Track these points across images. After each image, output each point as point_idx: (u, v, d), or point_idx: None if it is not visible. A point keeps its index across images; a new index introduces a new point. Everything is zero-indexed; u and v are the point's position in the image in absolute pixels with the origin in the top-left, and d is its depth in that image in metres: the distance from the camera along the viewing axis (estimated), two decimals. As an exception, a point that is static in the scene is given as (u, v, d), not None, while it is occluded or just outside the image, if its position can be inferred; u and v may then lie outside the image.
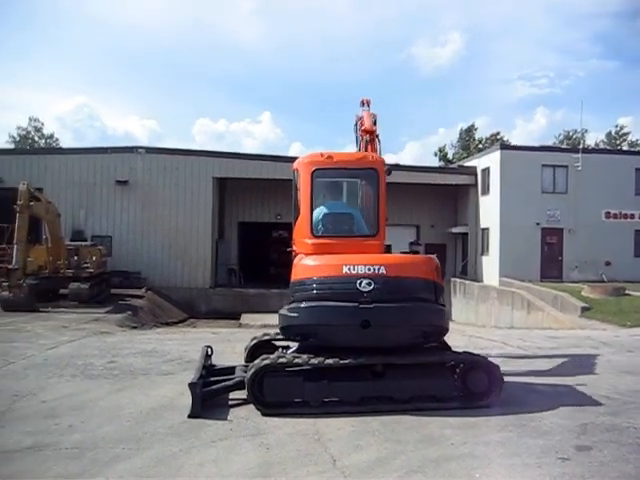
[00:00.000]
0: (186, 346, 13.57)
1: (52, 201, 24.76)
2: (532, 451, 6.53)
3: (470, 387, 8.20)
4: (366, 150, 10.15)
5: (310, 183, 8.89)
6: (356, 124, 11.63)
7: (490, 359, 8.74)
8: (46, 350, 12.69)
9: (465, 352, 8.78)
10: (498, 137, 65.68)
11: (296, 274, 8.52)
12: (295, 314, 8.26)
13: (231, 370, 9.20)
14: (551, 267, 32.46)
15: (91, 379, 10.03)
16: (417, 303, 8.25)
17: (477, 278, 34.81)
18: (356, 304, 7.98)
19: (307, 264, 8.50)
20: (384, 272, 8.12)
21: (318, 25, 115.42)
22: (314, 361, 8.02)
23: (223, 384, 8.56)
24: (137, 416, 7.82)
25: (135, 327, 19.42)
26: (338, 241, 8.83)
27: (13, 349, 12.64)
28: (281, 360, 8.12)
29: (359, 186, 9.91)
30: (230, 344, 13.65)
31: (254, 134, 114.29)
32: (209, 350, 9.73)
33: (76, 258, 25.15)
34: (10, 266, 21.34)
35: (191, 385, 7.91)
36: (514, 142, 63.94)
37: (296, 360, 8.10)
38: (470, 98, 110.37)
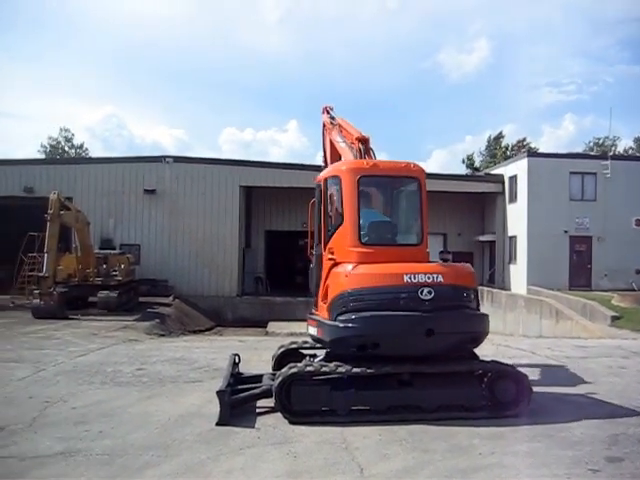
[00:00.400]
0: (214, 354, 13.64)
1: (82, 210, 25.11)
2: (561, 462, 6.46)
3: (498, 396, 8.15)
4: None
5: (356, 190, 8.74)
6: (324, 130, 12.02)
7: (518, 368, 8.67)
8: (76, 357, 12.85)
9: (493, 361, 8.72)
10: (525, 144, 65.13)
11: (350, 283, 8.23)
12: (354, 325, 8.00)
13: (258, 378, 9.23)
14: (580, 275, 32.08)
15: (120, 386, 10.14)
16: (469, 310, 8.45)
17: (505, 286, 34.52)
18: (420, 313, 8.03)
19: (364, 273, 8.29)
20: (442, 280, 8.22)
21: (344, 33, 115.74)
22: (341, 370, 8.02)
23: (251, 392, 8.59)
24: (166, 423, 7.89)
25: (163, 335, 19.55)
26: (384, 249, 8.77)
27: (44, 356, 12.82)
28: (308, 369, 8.14)
29: (401, 195, 9.75)
30: (257, 352, 13.70)
31: (280, 143, 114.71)
32: (237, 358, 9.77)
33: (105, 266, 25.46)
34: (41, 274, 21.67)
35: (219, 393, 7.96)
36: (542, 149, 63.40)
37: (323, 369, 8.11)
38: (497, 105, 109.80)
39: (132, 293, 26.87)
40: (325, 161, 12.13)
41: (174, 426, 7.77)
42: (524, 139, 67.13)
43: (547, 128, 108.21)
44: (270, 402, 8.25)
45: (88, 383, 10.24)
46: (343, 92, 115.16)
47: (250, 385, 8.87)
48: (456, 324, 8.27)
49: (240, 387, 8.72)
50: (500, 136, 68.71)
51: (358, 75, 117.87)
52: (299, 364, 8.34)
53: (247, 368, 10.22)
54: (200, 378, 10.84)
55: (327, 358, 8.63)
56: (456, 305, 8.33)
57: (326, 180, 9.22)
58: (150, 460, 6.49)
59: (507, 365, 8.63)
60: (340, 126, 11.21)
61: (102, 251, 27.67)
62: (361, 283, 8.22)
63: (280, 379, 8.05)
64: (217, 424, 7.74)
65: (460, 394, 8.19)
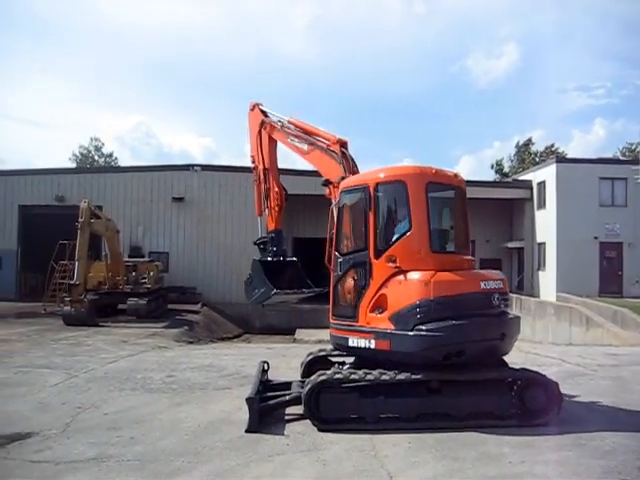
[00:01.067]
0: (242, 361, 13.71)
1: (111, 218, 25.42)
2: (593, 471, 6.40)
3: (528, 405, 8.06)
4: (347, 163, 9.75)
5: (425, 196, 8.60)
6: (261, 128, 11.64)
7: (548, 376, 8.59)
8: (107, 364, 13.01)
9: (523, 368, 8.66)
10: (553, 150, 64.52)
11: (433, 291, 8.06)
12: (440, 333, 7.93)
13: (287, 386, 9.25)
14: (610, 282, 31.64)
15: (150, 393, 10.25)
16: (512, 314, 8.93)
17: (533, 293, 34.20)
18: (494, 318, 8.40)
19: (446, 280, 8.20)
20: (502, 287, 8.73)
21: (371, 39, 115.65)
22: (370, 377, 8.03)
23: (280, 399, 8.62)
24: (196, 430, 7.96)
25: (191, 342, 19.70)
26: (448, 257, 8.82)
27: (76, 362, 13.00)
28: (337, 376, 8.15)
29: (447, 203, 9.53)
30: (285, 359, 13.75)
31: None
32: (265, 365, 9.82)
33: (134, 274, 25.74)
34: (72, 282, 21.96)
35: (249, 400, 8.01)
36: (571, 154, 62.69)
37: (352, 376, 8.11)
38: (525, 110, 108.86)
39: (161, 300, 27.10)
40: (263, 162, 11.66)
41: (204, 433, 7.83)
42: (552, 145, 66.50)
43: (577, 133, 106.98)
44: (299, 409, 8.27)
45: (119, 390, 10.36)
46: (370, 98, 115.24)
47: (279, 392, 8.90)
48: (517, 327, 8.88)
49: (269, 394, 8.75)
50: (529, 142, 68.19)
51: (385, 81, 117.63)
52: (328, 371, 8.36)
53: (275, 375, 10.26)
54: (229, 385, 10.91)
55: (355, 365, 8.65)
56: (507, 310, 8.88)
57: (378, 185, 8.76)
58: (181, 466, 6.55)
59: (537, 373, 8.56)
60: (301, 128, 10.86)
61: (131, 259, 28.01)
62: (444, 291, 8.16)
63: (309, 386, 8.08)
64: (246, 431, 7.79)
65: (489, 402, 8.13)
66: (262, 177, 11.61)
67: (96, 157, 72.43)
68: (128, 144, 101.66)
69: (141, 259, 28.69)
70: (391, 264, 8.41)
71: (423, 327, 7.98)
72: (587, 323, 25.31)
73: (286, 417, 8.47)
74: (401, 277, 8.33)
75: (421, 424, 7.94)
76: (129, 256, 29.41)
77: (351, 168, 9.72)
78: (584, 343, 22.65)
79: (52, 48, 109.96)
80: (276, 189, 11.52)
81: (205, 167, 34.84)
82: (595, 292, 30.51)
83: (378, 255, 8.52)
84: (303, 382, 8.79)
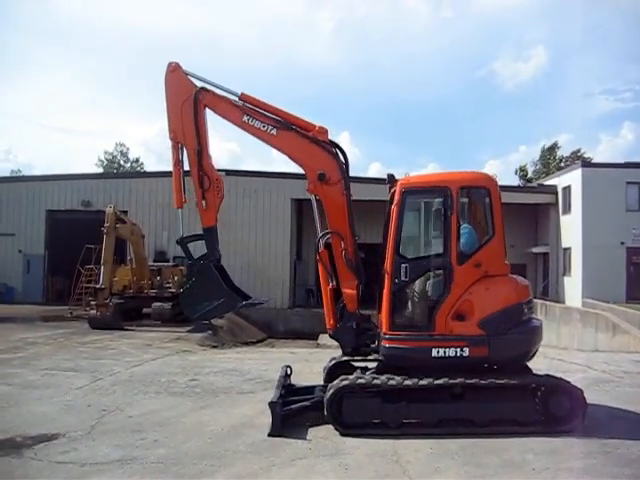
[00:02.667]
0: (265, 366, 13.75)
1: (136, 223, 25.65)
2: (618, 480, 6.32)
3: (552, 411, 7.98)
4: (342, 156, 9.31)
5: (500, 201, 8.68)
6: (196, 104, 9.29)
7: (573, 383, 8.50)
8: (131, 367, 13.13)
9: (547, 375, 8.59)
10: (579, 155, 63.87)
11: (523, 295, 8.57)
12: (529, 336, 8.46)
13: (310, 390, 9.25)
14: (638, 288, 31.18)
15: (174, 396, 10.33)
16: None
17: (559, 299, 33.87)
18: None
19: (527, 285, 8.90)
20: None
21: (397, 43, 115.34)
22: (393, 382, 8.00)
23: (302, 404, 8.62)
24: (219, 433, 8.01)
25: (215, 346, 19.79)
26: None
27: (101, 366, 13.14)
28: (360, 381, 8.13)
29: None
30: (308, 364, 13.76)
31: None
32: (288, 370, 9.82)
33: (159, 278, 25.93)
34: (97, 286, 22.21)
35: (271, 404, 8.03)
36: (599, 159, 62.12)
37: (375, 381, 8.10)
38: (551, 114, 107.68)
39: (185, 305, 27.16)
40: (196, 140, 9.38)
41: (227, 436, 7.88)
42: (579, 150, 65.85)
43: (604, 137, 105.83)
44: (322, 414, 8.27)
45: (143, 393, 10.46)
46: (395, 102, 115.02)
47: (301, 397, 8.90)
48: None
49: (292, 399, 8.75)
50: (555, 146, 67.61)
51: (411, 85, 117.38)
52: (350, 376, 8.34)
53: (299, 380, 10.27)
54: (252, 389, 10.95)
55: (378, 371, 8.64)
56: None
57: (464, 189, 8.64)
58: (204, 469, 6.60)
59: (561, 379, 8.47)
60: (262, 107, 9.32)
61: (156, 263, 28.20)
62: (528, 295, 8.69)
63: (332, 391, 8.08)
64: (269, 435, 7.81)
65: (513, 408, 8.06)
66: (194, 159, 9.46)
67: (122, 162, 73.22)
68: (153, 149, 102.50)
69: (166, 264, 28.87)
70: (478, 270, 8.34)
71: (516, 330, 8.21)
72: (613, 329, 24.98)
73: (309, 422, 8.48)
74: (487, 282, 8.33)
75: (443, 430, 7.90)
76: (154, 260, 29.65)
77: (347, 162, 9.29)
78: (610, 350, 22.35)
79: (81, 55, 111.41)
80: (216, 176, 9.78)
81: (229, 172, 34.97)
82: (622, 298, 30.12)
83: (462, 261, 8.33)
84: (326, 387, 8.76)
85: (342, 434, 7.87)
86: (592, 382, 11.47)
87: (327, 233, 9.11)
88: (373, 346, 8.97)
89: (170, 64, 9.47)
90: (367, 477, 6.43)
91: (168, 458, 6.95)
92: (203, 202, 9.74)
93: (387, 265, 8.51)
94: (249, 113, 9.23)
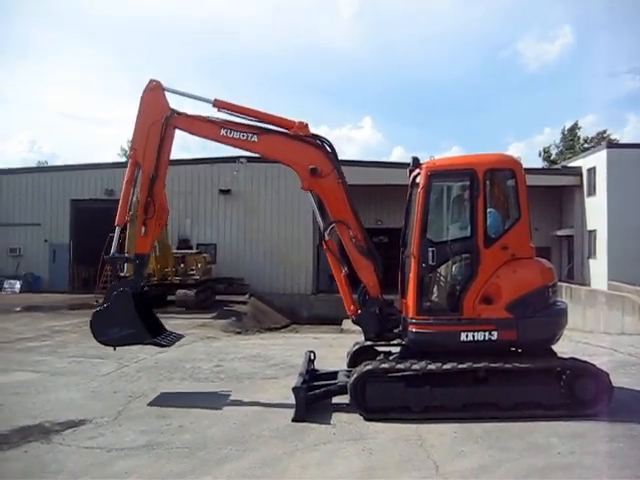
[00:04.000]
0: (289, 351, 13.79)
1: (160, 211, 25.73)
2: (645, 464, 6.26)
3: (578, 395, 7.90)
4: (330, 148, 9.29)
5: (526, 183, 8.64)
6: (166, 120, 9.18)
7: (598, 366, 8.42)
8: (156, 354, 13.22)
9: (572, 358, 8.52)
10: (605, 135, 62.91)
11: (550, 278, 8.62)
12: (557, 318, 8.52)
13: (333, 375, 9.25)
14: (665, 270, 30.80)
15: (199, 382, 10.41)
16: None
17: (584, 282, 33.52)
18: None
19: (549, 268, 8.87)
20: None
21: (418, 26, 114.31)
22: (416, 367, 7.99)
23: (326, 389, 8.65)
24: (243, 418, 8.07)
25: (239, 332, 19.88)
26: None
27: (126, 353, 13.18)
28: (383, 366, 8.15)
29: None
30: (332, 349, 13.77)
31: (355, 140, 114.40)
32: (312, 355, 9.84)
33: (182, 265, 26.12)
34: (122, 274, 22.33)
35: (295, 389, 8.07)
36: (626, 139, 61.16)
37: (398, 366, 8.10)
38: (577, 95, 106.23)
39: (209, 292, 27.37)
40: (154, 166, 9.24)
41: (251, 422, 7.93)
42: (604, 131, 64.86)
43: (632, 117, 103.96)
44: (345, 399, 8.30)
45: (168, 379, 10.56)
46: (417, 86, 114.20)
47: (325, 382, 8.91)
48: None
49: (315, 384, 8.78)
50: (575, 127, 66.60)
51: (433, 68, 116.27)
52: (374, 361, 8.36)
53: (322, 365, 10.29)
54: (276, 375, 11.00)
55: (402, 355, 8.63)
56: None
57: (489, 171, 8.54)
58: (229, 454, 6.66)
59: (586, 362, 8.38)
60: (238, 112, 9.31)
61: (180, 251, 28.38)
62: (553, 278, 8.71)
63: (355, 376, 8.08)
64: (293, 420, 7.86)
65: (537, 392, 8.01)
66: (146, 184, 9.23)
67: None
68: (176, 137, 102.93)
69: (189, 251, 29.06)
70: (505, 252, 8.31)
71: (544, 313, 8.22)
72: (640, 312, 24.71)
73: (332, 406, 8.51)
74: (514, 265, 8.32)
75: (467, 414, 7.88)
76: (177, 248, 29.81)
77: (333, 150, 9.24)
78: (637, 333, 22.12)
79: (103, 45, 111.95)
80: (164, 206, 9.65)
81: (251, 159, 34.99)
82: (648, 281, 29.75)
83: (489, 243, 8.31)
84: (349, 372, 8.78)
85: (366, 419, 7.89)
86: (618, 365, 11.36)
87: (331, 223, 9.13)
88: (396, 331, 8.98)
89: (151, 82, 9.30)
90: (391, 461, 6.44)
91: (193, 443, 7.02)
92: (143, 228, 9.44)
93: (414, 249, 8.46)
94: (226, 126, 9.13)
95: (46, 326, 18.61)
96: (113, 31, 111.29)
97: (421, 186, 8.50)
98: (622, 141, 54.98)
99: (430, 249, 8.32)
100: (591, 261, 33.56)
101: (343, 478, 5.99)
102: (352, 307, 9.16)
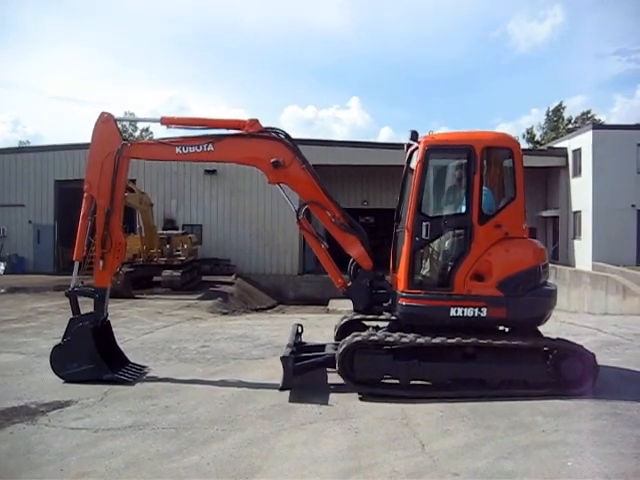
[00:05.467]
0: (276, 331, 13.82)
1: (145, 192, 25.64)
2: (628, 441, 6.31)
3: (564, 375, 7.96)
4: (288, 139, 9.35)
5: (523, 163, 8.60)
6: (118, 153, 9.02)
7: (584, 346, 8.48)
8: (142, 335, 13.23)
9: (559, 338, 8.58)
10: (590, 116, 63.03)
11: (542, 258, 8.59)
12: (547, 298, 8.50)
13: (321, 348, 9.29)
14: (648, 251, 31.06)
15: (185, 363, 10.41)
16: None
17: (569, 262, 33.77)
18: None
19: (542, 248, 8.89)
20: None
21: (406, 6, 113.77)
22: (405, 340, 8.03)
23: (314, 360, 8.69)
24: (229, 399, 8.07)
25: (225, 313, 19.92)
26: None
27: (112, 334, 13.22)
28: (372, 337, 8.16)
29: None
30: (319, 329, 13.78)
31: (343, 120, 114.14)
32: (299, 328, 9.84)
33: (168, 246, 26.05)
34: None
35: (283, 358, 8.11)
36: (614, 120, 61.56)
37: (387, 338, 8.12)
38: (565, 76, 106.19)
39: (195, 272, 27.37)
40: (109, 199, 9.09)
41: (237, 402, 7.94)
42: (589, 111, 65.01)
43: (619, 98, 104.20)
44: (332, 378, 8.32)
45: (154, 360, 10.53)
46: (406, 66, 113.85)
47: (313, 354, 8.95)
48: None
49: (303, 355, 8.81)
50: (560, 107, 66.64)
51: (422, 48, 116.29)
52: (363, 333, 8.39)
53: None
54: (262, 355, 11.02)
55: (390, 329, 8.65)
56: None
57: (487, 149, 8.49)
58: (215, 434, 6.66)
59: (574, 343, 8.44)
60: (187, 124, 9.39)
61: (165, 232, 28.28)
62: (545, 259, 8.66)
63: (344, 346, 8.10)
64: (281, 389, 7.97)
65: (524, 370, 8.07)
66: (102, 219, 9.12)
67: (131, 131, 72.96)
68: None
69: (175, 232, 28.95)
70: (498, 230, 8.32)
71: (534, 293, 8.21)
72: (624, 292, 24.94)
73: (318, 387, 8.56)
74: (507, 244, 8.32)
75: (454, 392, 7.95)
76: (163, 229, 29.73)
77: (289, 137, 9.25)
78: (620, 313, 22.36)
79: (85, 24, 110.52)
80: (121, 240, 9.44)
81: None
82: (632, 261, 30.01)
83: (483, 221, 8.31)
84: (337, 345, 8.78)
85: (354, 390, 8.02)
86: (602, 345, 11.48)
87: (304, 205, 9.29)
88: (386, 305, 9.00)
89: (102, 114, 9.23)
90: (377, 440, 6.47)
91: (179, 423, 7.01)
92: (101, 262, 9.33)
93: (408, 223, 8.43)
94: (180, 143, 9.08)
95: (31, 307, 18.55)
96: (96, 11, 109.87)
97: (418, 160, 8.47)
98: (610, 122, 55.12)
99: (424, 223, 8.32)
100: (576, 242, 33.78)
101: (330, 457, 6.01)
102: (340, 280, 9.25)
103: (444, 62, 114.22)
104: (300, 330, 9.85)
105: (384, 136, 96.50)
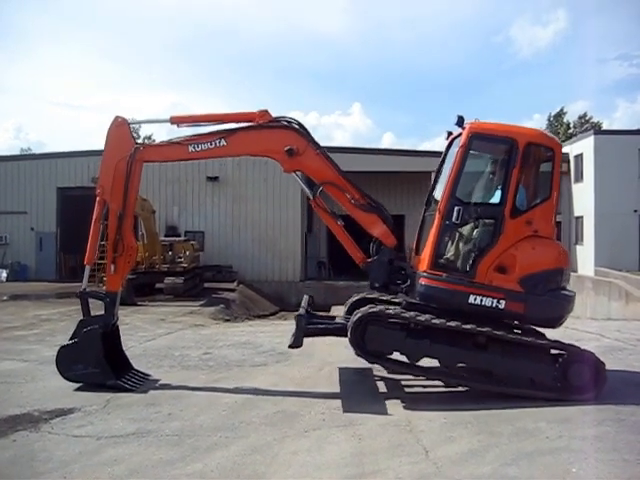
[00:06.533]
0: (278, 338, 13.77)
1: (147, 198, 25.61)
2: (632, 447, 6.29)
3: (571, 380, 7.97)
4: (300, 127, 9.32)
5: (561, 165, 8.73)
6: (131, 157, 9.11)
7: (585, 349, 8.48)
8: (145, 342, 13.22)
9: (571, 344, 8.54)
10: (587, 119, 63.10)
11: (565, 261, 8.62)
12: (565, 303, 8.48)
13: (332, 318, 9.48)
14: (651, 256, 31.01)
15: (188, 370, 10.39)
16: None
17: (571, 268, 33.68)
18: None
19: (565, 251, 8.88)
20: None
21: (408, 11, 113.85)
22: (421, 318, 8.07)
23: (325, 326, 8.86)
24: (233, 405, 8.06)
25: (228, 320, 19.89)
26: None
27: (115, 341, 13.21)
28: (389, 311, 8.24)
29: None
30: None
31: (345, 126, 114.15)
32: (311, 299, 9.89)
33: (170, 253, 26.03)
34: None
35: (298, 316, 8.39)
36: (617, 125, 61.58)
37: (403, 314, 8.16)
38: (568, 81, 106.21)
39: (197, 279, 27.34)
40: (122, 203, 9.13)
41: (241, 408, 7.93)
42: (585, 114, 65.13)
43: (622, 103, 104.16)
44: (331, 407, 8.29)
45: (157, 367, 10.52)
46: (408, 71, 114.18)
47: (325, 321, 9.12)
48: None
49: (315, 320, 8.95)
50: (561, 113, 66.76)
51: (424, 54, 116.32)
52: (380, 306, 8.48)
53: (311, 350, 10.31)
54: (265, 362, 11.00)
55: (405, 309, 8.62)
56: None
57: (530, 145, 8.47)
58: (218, 441, 6.65)
59: (586, 351, 8.40)
60: (198, 120, 9.41)
61: (167, 238, 28.26)
62: (568, 263, 8.73)
63: (359, 315, 8.19)
64: (290, 346, 8.27)
65: (533, 369, 8.09)
66: (114, 223, 9.12)
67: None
68: (165, 125, 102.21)
69: (177, 238, 28.94)
70: (528, 227, 8.33)
71: (553, 294, 8.22)
72: (627, 297, 24.92)
73: (321, 395, 8.53)
74: (534, 241, 8.33)
75: (459, 380, 8.19)
76: (165, 236, 29.71)
77: (300, 124, 9.21)
78: (623, 318, 22.29)
79: (86, 29, 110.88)
80: (132, 244, 9.44)
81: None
82: (635, 266, 29.96)
83: (515, 215, 8.32)
84: (347, 319, 8.81)
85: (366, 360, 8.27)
86: (605, 350, 11.43)
87: (318, 187, 9.18)
88: (403, 286, 9.01)
89: (117, 118, 9.26)
90: (381, 447, 6.46)
91: (183, 431, 7.01)
92: (112, 266, 9.29)
93: (441, 205, 8.43)
94: (192, 141, 9.07)
95: (33, 315, 18.53)
96: (98, 17, 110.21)
97: (461, 144, 8.46)
98: (613, 127, 55.19)
99: (457, 207, 8.30)
100: (578, 247, 33.75)
101: (333, 464, 6.00)
102: (359, 255, 9.25)
103: (446, 67, 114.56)
104: (312, 301, 9.83)
105: (386, 142, 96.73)
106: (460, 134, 8.61)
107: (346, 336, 8.34)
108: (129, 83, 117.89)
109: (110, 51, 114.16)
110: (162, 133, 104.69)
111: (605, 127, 57.53)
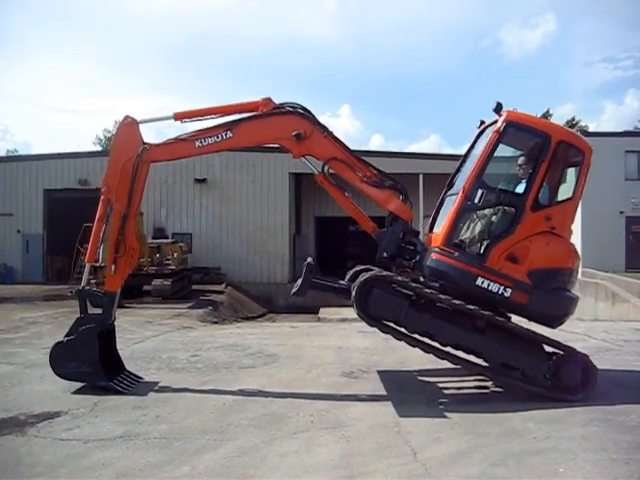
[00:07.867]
0: (266, 340, 13.78)
1: (135, 200, 25.53)
2: (619, 447, 6.34)
3: (563, 379, 8.04)
4: (307, 111, 9.31)
5: (589, 169, 8.79)
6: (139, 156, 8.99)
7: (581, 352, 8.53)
8: (133, 344, 13.14)
9: (568, 346, 8.55)
10: (574, 123, 63.46)
11: (572, 261, 8.69)
12: (567, 304, 8.47)
13: (335, 281, 9.54)
14: (637, 257, 31.34)
15: (176, 372, 10.34)
16: None
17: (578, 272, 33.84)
18: None
19: (576, 252, 8.97)
20: None
21: (395, 13, 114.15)
22: (427, 291, 8.17)
23: (329, 284, 9.05)
24: (221, 408, 8.03)
25: (216, 322, 19.85)
26: None
27: (102, 343, 13.13)
28: (397, 278, 8.30)
29: None
30: (309, 338, 13.80)
31: (334, 128, 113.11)
32: (312, 260, 9.78)
33: (158, 255, 26.00)
34: (97, 264, 22.12)
35: (308, 265, 8.58)
36: (604, 127, 62.02)
37: (411, 284, 8.26)
38: (556, 84, 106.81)
39: (185, 281, 27.28)
40: (127, 203, 9.08)
41: (229, 411, 7.89)
42: (573, 118, 65.50)
43: (609, 105, 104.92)
44: (319, 410, 8.27)
45: (145, 369, 10.44)
46: (397, 74, 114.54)
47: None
48: None
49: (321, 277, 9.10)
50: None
51: (413, 56, 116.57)
52: (388, 272, 8.51)
53: (300, 354, 10.30)
54: (253, 364, 10.97)
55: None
56: None
57: (562, 142, 8.51)
58: (206, 444, 6.62)
59: (582, 353, 8.44)
60: (202, 114, 9.26)
61: (155, 240, 28.21)
62: (577, 265, 8.83)
63: (366, 276, 8.26)
64: (293, 294, 8.53)
65: (525, 361, 8.16)
66: (117, 223, 9.09)
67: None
68: (152, 126, 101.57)
69: (165, 240, 28.90)
70: (546, 222, 8.39)
71: (558, 293, 8.27)
72: (613, 298, 25.08)
73: (309, 396, 8.53)
74: (549, 238, 8.40)
75: (455, 358, 8.31)
76: (153, 238, 29.64)
77: (306, 108, 9.17)
78: (610, 319, 22.43)
79: (77, 35, 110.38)
80: (134, 245, 9.30)
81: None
82: (621, 267, 30.23)
83: (536, 208, 8.36)
84: (350, 283, 8.90)
85: (367, 322, 8.32)
86: (592, 351, 11.45)
87: (323, 164, 9.16)
88: (410, 262, 9.02)
89: (126, 117, 9.18)
90: (369, 448, 6.45)
91: (170, 433, 6.96)
92: (113, 266, 9.19)
93: (466, 184, 8.42)
94: (198, 136, 8.99)
95: (20, 317, 18.38)
96: (88, 21, 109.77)
97: (496, 129, 8.48)
98: (601, 129, 55.57)
99: (480, 190, 8.36)
100: (565, 248, 33.86)
101: (322, 466, 5.99)
102: (370, 224, 9.37)
103: (435, 69, 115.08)
104: (314, 262, 9.71)
105: (375, 143, 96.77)
106: (494, 122, 8.67)
107: (348, 299, 8.44)
108: (119, 87, 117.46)
109: (101, 55, 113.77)
110: (150, 136, 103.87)
111: (593, 129, 57.85)
